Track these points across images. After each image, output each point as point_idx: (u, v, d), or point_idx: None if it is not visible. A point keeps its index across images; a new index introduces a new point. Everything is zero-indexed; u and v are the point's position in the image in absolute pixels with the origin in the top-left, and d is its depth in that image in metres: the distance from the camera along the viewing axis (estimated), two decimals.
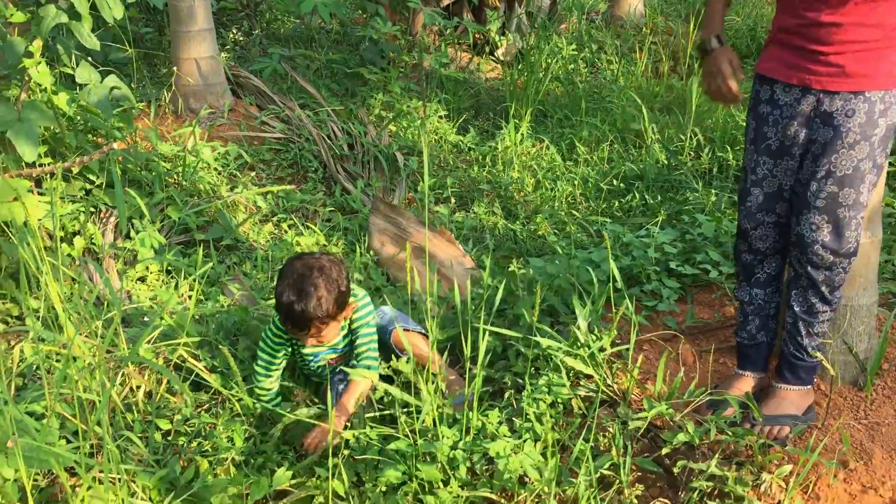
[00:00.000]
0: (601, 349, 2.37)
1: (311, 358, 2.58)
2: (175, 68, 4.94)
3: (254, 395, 2.54)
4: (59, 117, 3.73)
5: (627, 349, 2.42)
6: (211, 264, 3.49)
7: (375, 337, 2.51)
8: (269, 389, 2.56)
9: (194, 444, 2.48)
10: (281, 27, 7.62)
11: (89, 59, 3.92)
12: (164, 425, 2.47)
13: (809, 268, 2.14)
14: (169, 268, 3.71)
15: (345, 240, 4.11)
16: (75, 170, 3.84)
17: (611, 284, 2.46)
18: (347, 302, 2.38)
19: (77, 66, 3.81)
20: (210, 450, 2.42)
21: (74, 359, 2.37)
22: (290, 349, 2.57)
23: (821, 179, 2.06)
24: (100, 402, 2.26)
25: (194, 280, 3.53)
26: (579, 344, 2.37)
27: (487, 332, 2.20)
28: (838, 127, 2.02)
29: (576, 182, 4.70)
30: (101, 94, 3.74)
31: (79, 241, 3.70)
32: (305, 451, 2.33)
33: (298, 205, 4.40)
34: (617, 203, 4.45)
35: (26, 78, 3.68)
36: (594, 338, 2.41)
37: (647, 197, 4.40)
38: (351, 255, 3.88)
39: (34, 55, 3.63)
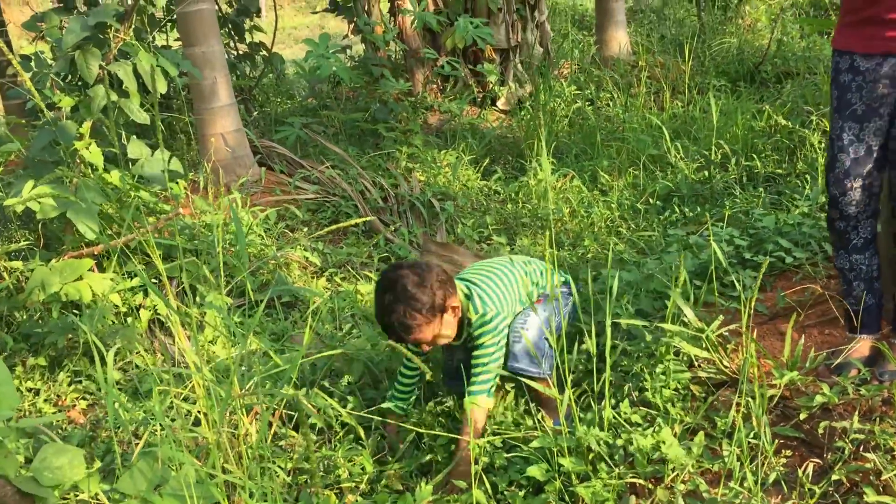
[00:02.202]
0: (714, 329, 2.40)
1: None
2: (205, 143, 5.03)
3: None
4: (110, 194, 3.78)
5: (736, 332, 2.46)
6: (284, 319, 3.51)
7: (497, 354, 2.44)
8: (408, 379, 2.63)
9: (317, 477, 2.47)
10: (277, 108, 7.81)
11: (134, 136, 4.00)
12: (286, 464, 2.46)
13: None
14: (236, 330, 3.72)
15: None
16: (133, 244, 3.87)
17: (712, 269, 2.50)
18: (437, 308, 2.33)
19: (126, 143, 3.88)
20: (334, 482, 2.42)
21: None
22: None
23: None
24: (216, 444, 2.26)
25: (266, 335, 3.55)
26: (693, 330, 2.40)
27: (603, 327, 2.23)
28: None
29: (612, 205, 4.79)
30: (153, 168, 3.80)
31: (144, 314, 3.70)
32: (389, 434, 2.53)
33: (346, 258, 4.44)
34: (657, 220, 4.52)
35: (78, 160, 3.75)
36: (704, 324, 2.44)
37: (685, 210, 4.48)
38: None
39: (84, 136, 3.71)
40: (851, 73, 2.23)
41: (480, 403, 2.36)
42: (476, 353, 2.43)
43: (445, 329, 2.39)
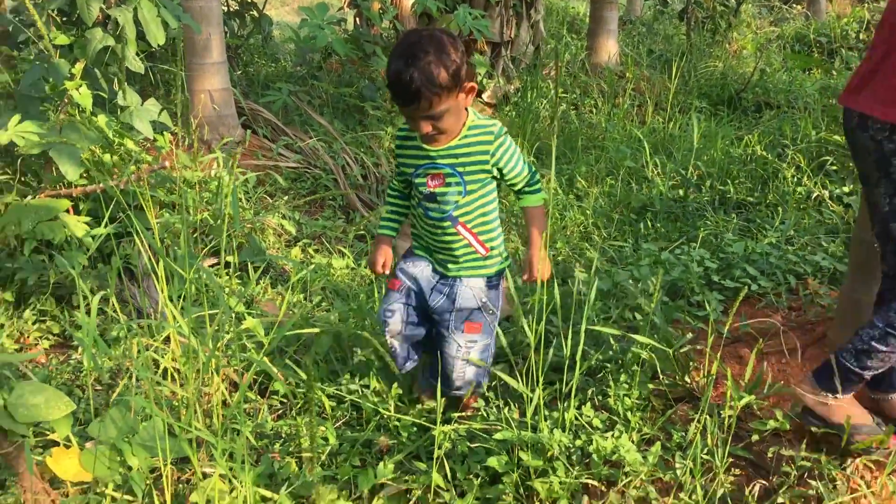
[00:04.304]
0: (681, 347, 2.50)
1: (421, 182, 2.33)
2: (193, 99, 5.01)
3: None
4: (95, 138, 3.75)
5: (699, 351, 2.56)
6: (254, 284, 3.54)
7: (521, 157, 2.33)
8: (396, 192, 2.51)
9: (277, 445, 2.52)
10: (261, 71, 7.76)
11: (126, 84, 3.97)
12: (246, 429, 2.50)
13: None
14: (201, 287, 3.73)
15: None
16: (113, 191, 3.85)
17: (691, 286, 2.59)
18: (462, 78, 2.13)
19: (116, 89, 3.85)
20: (295, 450, 2.46)
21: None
22: (407, 169, 2.37)
23: None
24: (192, 401, 2.30)
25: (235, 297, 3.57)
26: (662, 344, 2.49)
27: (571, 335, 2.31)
28: None
29: (587, 212, 4.88)
30: (142, 117, 3.78)
31: (115, 261, 3.69)
32: (375, 272, 2.43)
33: (321, 230, 4.47)
34: (629, 231, 4.63)
35: (66, 99, 3.71)
36: (669, 338, 2.54)
37: (657, 225, 4.59)
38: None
39: (75, 77, 3.67)
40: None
41: (541, 199, 2.38)
42: (506, 170, 2.31)
43: (454, 115, 2.18)
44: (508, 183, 2.36)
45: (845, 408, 2.19)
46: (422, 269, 2.50)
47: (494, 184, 2.37)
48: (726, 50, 9.26)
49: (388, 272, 2.46)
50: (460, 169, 2.28)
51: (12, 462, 1.93)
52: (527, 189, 2.38)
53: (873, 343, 2.09)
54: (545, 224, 2.39)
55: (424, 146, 2.28)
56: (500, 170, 2.31)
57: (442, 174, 2.31)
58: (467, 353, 2.42)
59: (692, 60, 8.23)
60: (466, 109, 2.27)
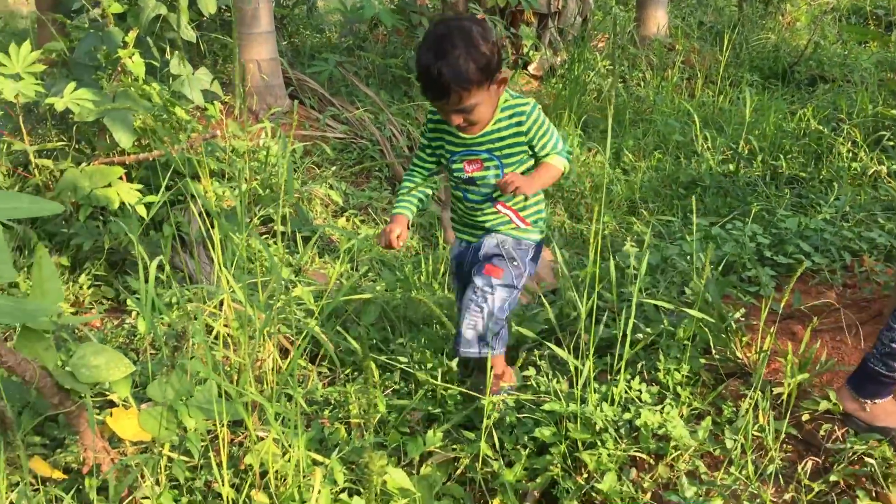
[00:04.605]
0: (736, 321, 2.47)
1: (458, 167, 2.34)
2: (241, 68, 5.03)
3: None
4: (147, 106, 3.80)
5: (751, 327, 2.53)
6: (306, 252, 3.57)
7: (556, 133, 2.31)
8: (420, 168, 2.48)
9: (326, 411, 2.56)
10: (307, 42, 7.78)
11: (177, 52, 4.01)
12: (298, 394, 2.54)
13: None
14: (252, 256, 3.78)
15: (419, 234, 4.19)
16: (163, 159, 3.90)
17: (743, 261, 2.56)
18: (494, 69, 2.11)
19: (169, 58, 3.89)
20: (344, 417, 2.50)
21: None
22: (441, 151, 2.36)
23: None
24: (247, 366, 2.33)
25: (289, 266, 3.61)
26: (715, 319, 2.46)
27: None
28: None
29: (634, 186, 4.83)
30: (194, 86, 3.82)
31: (167, 229, 3.75)
32: (388, 245, 2.32)
33: (367, 201, 4.49)
34: (678, 205, 4.57)
35: (119, 67, 3.76)
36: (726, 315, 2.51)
37: (706, 200, 4.53)
38: (430, 249, 3.96)
39: (128, 45, 3.71)
40: None
41: (561, 161, 2.31)
42: (538, 146, 2.29)
43: (486, 105, 2.16)
44: (538, 156, 2.33)
45: (887, 410, 2.15)
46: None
47: (533, 160, 2.36)
48: (779, 22, 9.04)
49: (401, 245, 2.37)
50: (497, 153, 2.29)
51: (73, 421, 1.98)
52: (552, 152, 2.32)
53: (893, 345, 2.04)
54: (551, 177, 2.31)
55: (459, 133, 2.27)
56: (532, 147, 2.30)
57: (479, 159, 2.30)
58: (483, 298, 2.36)
59: (744, 32, 8.05)
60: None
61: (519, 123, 2.24)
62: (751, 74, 7.09)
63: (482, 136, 2.25)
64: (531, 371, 2.47)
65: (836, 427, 2.20)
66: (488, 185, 2.33)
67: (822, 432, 2.20)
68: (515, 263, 2.41)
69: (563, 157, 2.34)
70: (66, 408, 1.90)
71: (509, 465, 2.25)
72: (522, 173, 2.31)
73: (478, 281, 2.39)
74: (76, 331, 3.08)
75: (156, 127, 3.89)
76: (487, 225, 2.42)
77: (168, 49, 3.96)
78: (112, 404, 2.36)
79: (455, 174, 2.36)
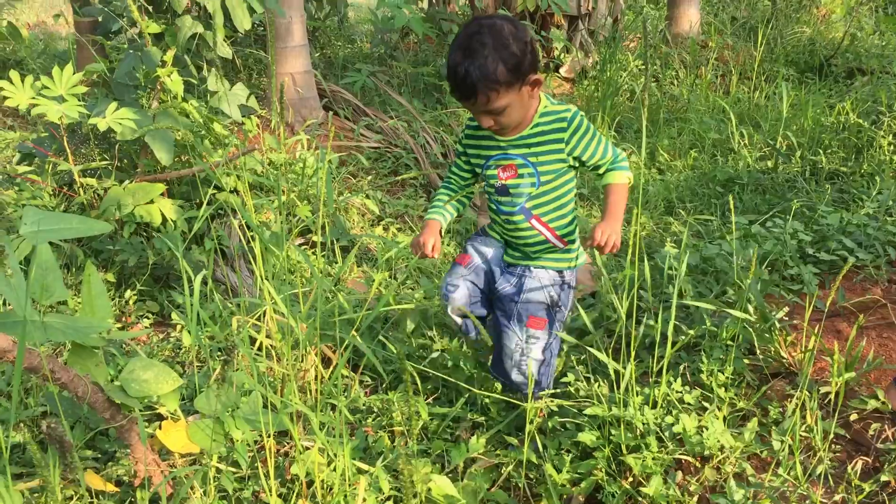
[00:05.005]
0: (780, 320, 2.45)
1: (492, 174, 2.25)
2: (276, 82, 5.10)
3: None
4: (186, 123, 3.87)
5: (794, 326, 2.50)
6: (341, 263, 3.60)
7: (605, 140, 2.20)
8: (455, 178, 2.41)
9: (369, 419, 2.58)
10: (339, 53, 7.85)
11: (213, 69, 4.07)
12: (342, 403, 2.56)
13: None
14: (292, 268, 3.83)
15: (456, 241, 4.21)
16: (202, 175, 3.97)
17: (784, 259, 2.53)
18: (525, 70, 2.02)
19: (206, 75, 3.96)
20: (387, 424, 2.52)
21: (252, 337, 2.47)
22: (477, 160, 2.29)
23: None
24: (291, 377, 2.36)
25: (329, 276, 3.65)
26: (758, 319, 2.44)
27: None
28: None
29: (670, 186, 4.80)
30: (231, 102, 3.88)
31: (208, 243, 3.82)
32: (422, 254, 2.24)
33: (403, 210, 4.52)
34: (716, 204, 4.53)
35: (158, 86, 3.83)
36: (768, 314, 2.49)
37: (744, 198, 4.48)
38: None
39: (167, 64, 3.78)
40: None
41: (624, 175, 2.19)
42: (586, 157, 2.19)
43: (517, 108, 2.07)
44: (591, 169, 2.22)
45: None
46: (496, 250, 2.41)
47: (572, 173, 2.24)
48: (814, 15, 8.91)
49: (437, 255, 2.28)
50: (533, 159, 2.18)
51: (124, 435, 2.03)
52: (611, 167, 2.21)
53: None
54: (624, 200, 2.19)
55: (495, 136, 2.20)
56: (577, 158, 2.18)
57: (514, 165, 2.20)
58: (527, 349, 2.25)
59: (778, 27, 7.95)
60: (539, 95, 2.17)
61: (559, 130, 2.14)
62: (786, 69, 7.00)
63: (518, 139, 2.17)
64: (570, 377, 2.46)
65: (885, 426, 2.17)
66: (521, 194, 2.22)
67: (871, 432, 2.17)
68: (558, 309, 2.30)
69: (622, 168, 2.21)
70: (118, 422, 1.94)
71: (555, 470, 2.24)
72: (561, 186, 2.22)
73: (519, 332, 2.26)
74: (124, 345, 3.14)
75: (195, 143, 3.96)
76: (529, 251, 2.32)
77: (205, 66, 4.02)
78: (160, 417, 2.41)
79: (489, 182, 2.29)
